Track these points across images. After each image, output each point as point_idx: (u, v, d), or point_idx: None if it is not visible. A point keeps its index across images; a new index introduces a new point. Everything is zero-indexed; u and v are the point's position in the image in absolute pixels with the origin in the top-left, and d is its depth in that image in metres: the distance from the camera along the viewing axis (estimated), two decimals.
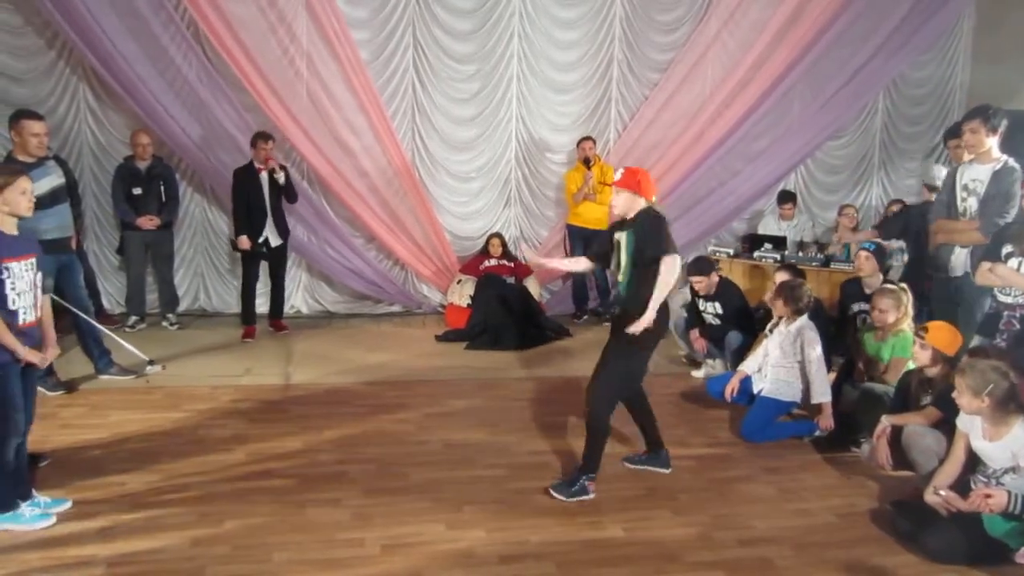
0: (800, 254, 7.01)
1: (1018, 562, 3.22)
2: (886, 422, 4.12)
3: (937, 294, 4.93)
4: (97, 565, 3.15)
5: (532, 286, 7.42)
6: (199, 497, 3.75)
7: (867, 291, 5.22)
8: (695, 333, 5.90)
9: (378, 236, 7.53)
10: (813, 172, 8.39)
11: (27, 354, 3.38)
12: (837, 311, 5.64)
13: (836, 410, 4.63)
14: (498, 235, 7.58)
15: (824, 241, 7.59)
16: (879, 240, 5.65)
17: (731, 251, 7.29)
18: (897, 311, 4.63)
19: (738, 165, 7.99)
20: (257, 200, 6.49)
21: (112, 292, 7.30)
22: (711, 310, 5.81)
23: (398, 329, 7.32)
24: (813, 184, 8.41)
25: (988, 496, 3.21)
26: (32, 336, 3.47)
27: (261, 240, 6.57)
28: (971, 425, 3.46)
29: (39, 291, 3.51)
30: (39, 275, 3.50)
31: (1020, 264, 4.04)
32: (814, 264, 6.65)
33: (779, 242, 7.14)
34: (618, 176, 3.87)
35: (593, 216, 7.19)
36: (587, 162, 7.24)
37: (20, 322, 3.39)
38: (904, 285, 4.79)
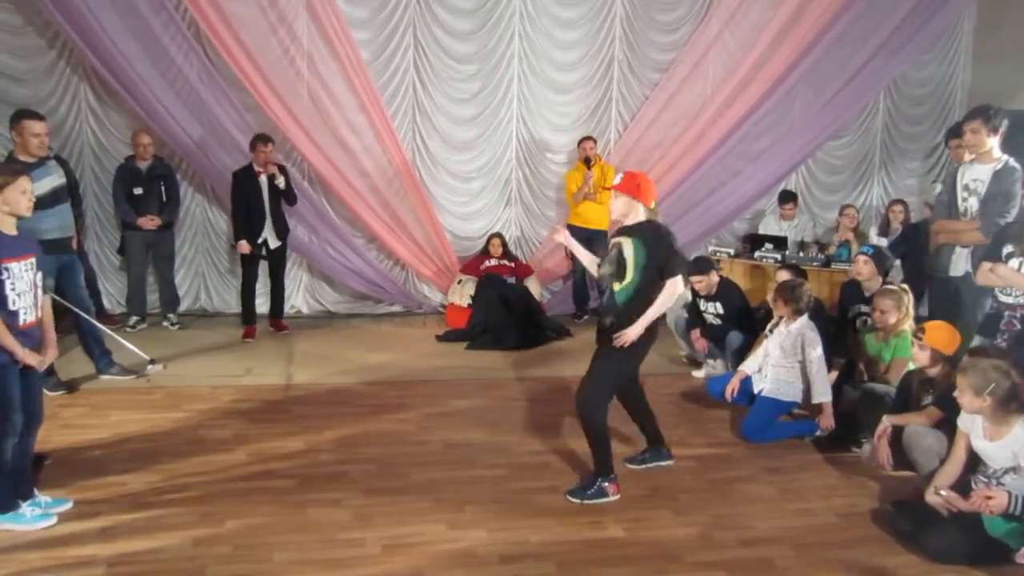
0: (801, 254, 7.01)
1: (1018, 562, 3.22)
2: (887, 422, 4.11)
3: (937, 294, 4.93)
4: (98, 565, 3.16)
5: (533, 286, 7.43)
6: (200, 497, 3.75)
7: (866, 294, 5.22)
8: (696, 333, 5.89)
9: (379, 236, 7.53)
10: (814, 172, 8.39)
11: (26, 356, 3.37)
12: (837, 312, 5.64)
13: (837, 410, 4.62)
14: (498, 235, 7.58)
15: (825, 241, 7.59)
16: (877, 244, 5.65)
17: (732, 251, 7.30)
18: (898, 312, 4.62)
19: (739, 165, 7.99)
20: (256, 203, 6.49)
21: (113, 292, 7.30)
22: (712, 310, 5.81)
23: (399, 329, 7.32)
24: (814, 184, 8.41)
25: (989, 498, 3.21)
26: (32, 337, 3.46)
27: (260, 242, 6.57)
28: (972, 425, 3.46)
29: (39, 291, 3.51)
30: (39, 275, 3.50)
31: (1021, 264, 4.03)
32: (815, 264, 6.66)
33: (780, 242, 7.14)
34: (617, 180, 3.85)
35: (593, 216, 7.19)
36: (588, 162, 7.24)
37: (20, 322, 3.38)
38: (905, 286, 4.79)
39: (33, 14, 6.64)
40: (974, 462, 3.51)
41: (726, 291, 5.81)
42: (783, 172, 8.09)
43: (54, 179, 5.02)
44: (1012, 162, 4.52)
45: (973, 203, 4.60)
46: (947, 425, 3.80)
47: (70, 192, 5.31)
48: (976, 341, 4.24)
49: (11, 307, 3.34)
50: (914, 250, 6.07)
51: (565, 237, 4.11)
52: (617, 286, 3.79)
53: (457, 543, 3.41)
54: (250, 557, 3.25)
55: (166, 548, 3.29)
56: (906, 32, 7.56)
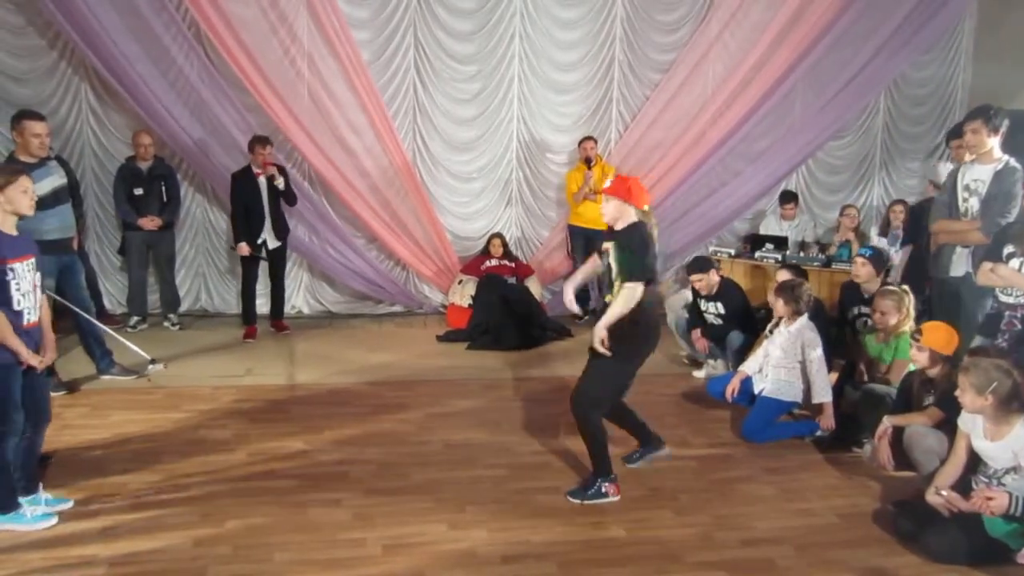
0: (801, 254, 7.01)
1: (1019, 563, 3.22)
2: (888, 422, 4.12)
3: (938, 294, 4.93)
4: (99, 565, 3.16)
5: (533, 286, 7.43)
6: (200, 497, 3.75)
7: (865, 295, 5.22)
8: (696, 333, 5.89)
9: (379, 236, 7.53)
10: (814, 172, 8.38)
11: (28, 357, 3.40)
12: (837, 313, 5.64)
13: (838, 411, 4.63)
14: (499, 235, 7.58)
15: (826, 241, 7.59)
16: (876, 245, 5.65)
17: (732, 251, 7.30)
18: (898, 313, 4.62)
19: (739, 165, 7.98)
20: (255, 204, 6.48)
21: (113, 292, 7.30)
22: (713, 310, 5.81)
23: (399, 329, 7.32)
24: (814, 184, 8.41)
25: (990, 498, 3.21)
26: (34, 337, 3.48)
27: (259, 243, 6.56)
28: (973, 425, 3.46)
29: (39, 291, 3.53)
30: (38, 275, 3.52)
31: (1021, 264, 4.04)
32: (815, 264, 6.66)
33: (780, 242, 7.14)
34: (608, 183, 3.84)
35: (594, 216, 7.11)
36: (588, 162, 7.24)
37: (24, 322, 3.41)
38: (906, 287, 4.79)
39: (34, 14, 6.64)
40: (975, 462, 3.51)
41: (727, 291, 5.80)
42: (783, 172, 8.08)
43: (55, 179, 5.02)
44: (1013, 162, 4.52)
45: (974, 203, 4.59)
46: (948, 425, 3.81)
47: (71, 192, 5.31)
48: (977, 341, 4.24)
49: (16, 307, 3.37)
50: (915, 234, 6.03)
51: (570, 293, 4.05)
52: (611, 292, 3.80)
53: (458, 543, 3.41)
54: (251, 557, 3.25)
55: (167, 548, 3.29)
56: (906, 32, 7.56)
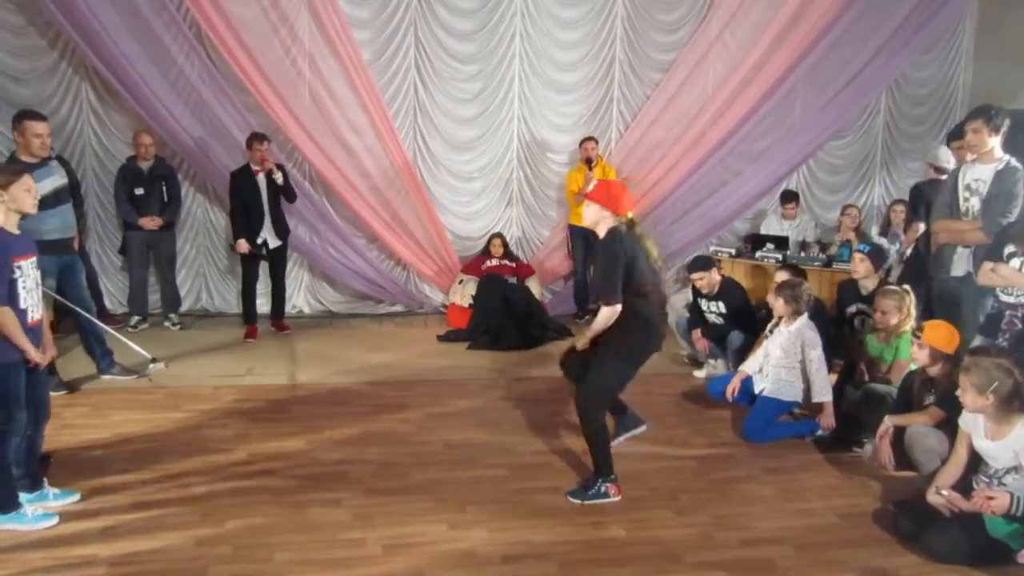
0: (802, 254, 7.01)
1: (1020, 563, 3.22)
2: (888, 422, 4.11)
3: (938, 294, 4.93)
4: (99, 565, 3.16)
5: (534, 286, 7.43)
6: (201, 497, 3.75)
7: (863, 292, 5.22)
8: (697, 333, 5.89)
9: (380, 236, 7.53)
10: (815, 172, 8.38)
11: (36, 355, 3.43)
12: (835, 311, 5.63)
13: (838, 410, 4.62)
14: (499, 235, 7.59)
15: (826, 241, 7.58)
16: (874, 240, 5.64)
17: (732, 251, 7.30)
18: (899, 313, 4.62)
19: (740, 165, 7.98)
20: (255, 202, 6.48)
21: (114, 292, 7.30)
22: (714, 309, 5.81)
23: (400, 329, 7.32)
24: (815, 184, 8.40)
25: (991, 498, 3.21)
26: (36, 334, 3.51)
27: (260, 242, 6.57)
28: (974, 424, 3.46)
29: (40, 289, 3.55)
30: (38, 273, 3.55)
31: (1022, 264, 4.04)
32: (816, 264, 6.66)
33: (781, 242, 7.14)
34: (590, 187, 3.84)
35: None
36: (589, 162, 7.24)
37: (29, 320, 3.44)
38: (907, 287, 4.78)
39: (35, 14, 6.64)
40: (976, 462, 3.51)
41: (729, 290, 5.80)
42: (784, 172, 8.08)
43: (56, 179, 5.02)
44: (1014, 162, 4.51)
45: (975, 203, 4.59)
46: (948, 425, 3.80)
47: (72, 192, 5.31)
48: (977, 341, 4.24)
49: (22, 305, 3.40)
50: (917, 213, 6.00)
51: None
52: None
53: (458, 543, 3.41)
54: (251, 557, 3.25)
55: (167, 548, 3.29)
56: (906, 32, 7.56)
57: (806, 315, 4.73)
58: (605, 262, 3.70)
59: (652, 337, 3.84)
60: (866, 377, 4.79)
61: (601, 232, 3.78)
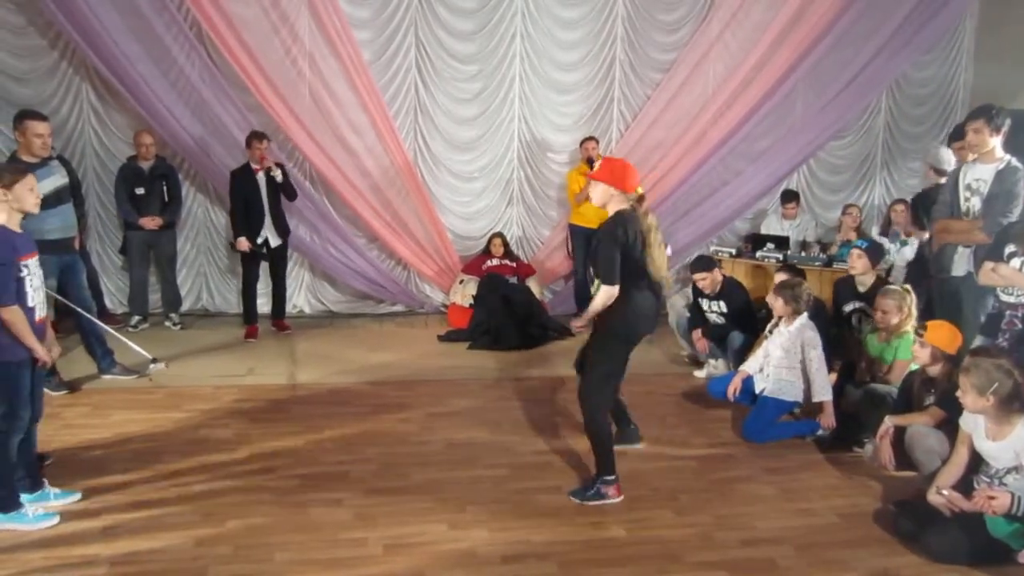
0: (803, 254, 7.00)
1: (1021, 563, 3.22)
2: (889, 422, 4.11)
3: (939, 294, 4.93)
4: (100, 565, 3.16)
5: (534, 286, 7.43)
6: (201, 497, 3.75)
7: (860, 289, 5.22)
8: (697, 333, 5.89)
9: (380, 236, 7.53)
10: (816, 172, 8.38)
11: (43, 354, 3.45)
12: (832, 310, 5.62)
13: (839, 410, 4.62)
14: (500, 235, 7.59)
15: (827, 241, 7.58)
16: (873, 237, 5.63)
17: (733, 251, 7.29)
18: (900, 313, 4.62)
19: (740, 165, 7.98)
20: (255, 200, 6.48)
21: (115, 292, 7.31)
22: (715, 309, 5.81)
23: (400, 329, 7.32)
24: (816, 184, 8.40)
25: (991, 498, 3.21)
26: (41, 332, 3.52)
27: (260, 241, 6.56)
28: (974, 425, 3.46)
29: (43, 288, 3.57)
30: (40, 272, 3.56)
31: (1023, 264, 4.03)
32: (817, 264, 6.65)
33: (781, 242, 7.13)
34: (595, 169, 3.82)
35: (596, 216, 7.16)
36: (590, 162, 7.23)
37: (36, 318, 3.46)
38: (908, 287, 4.78)
39: (35, 14, 6.64)
40: (976, 462, 3.51)
41: (730, 290, 5.80)
42: (785, 172, 8.08)
43: (57, 179, 5.02)
44: (1015, 162, 4.51)
45: (976, 203, 4.59)
46: (949, 425, 3.80)
47: (72, 192, 5.31)
48: (978, 341, 4.24)
49: (29, 303, 3.42)
50: (921, 209, 5.99)
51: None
52: (596, 283, 3.80)
53: (459, 543, 3.41)
54: (251, 557, 3.25)
55: (168, 548, 3.29)
56: (907, 32, 7.56)
57: (806, 315, 4.73)
58: (603, 244, 3.66)
59: (640, 321, 3.77)
60: (867, 377, 4.79)
61: (611, 210, 3.73)
